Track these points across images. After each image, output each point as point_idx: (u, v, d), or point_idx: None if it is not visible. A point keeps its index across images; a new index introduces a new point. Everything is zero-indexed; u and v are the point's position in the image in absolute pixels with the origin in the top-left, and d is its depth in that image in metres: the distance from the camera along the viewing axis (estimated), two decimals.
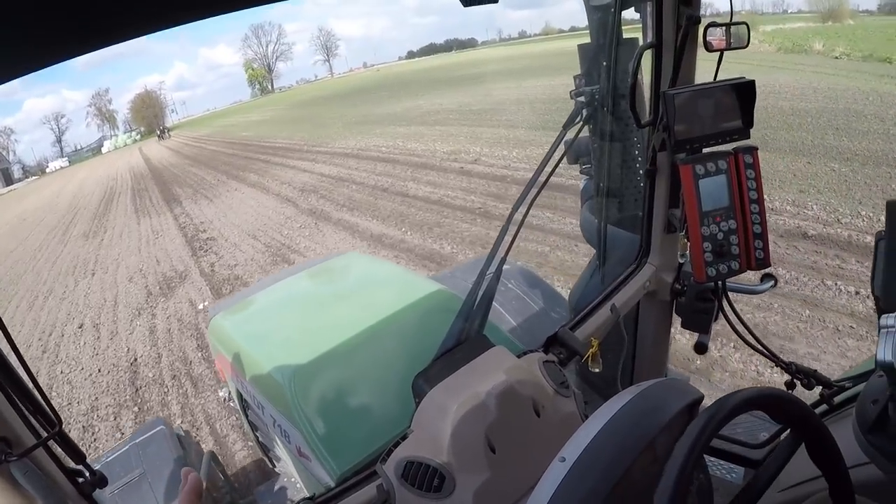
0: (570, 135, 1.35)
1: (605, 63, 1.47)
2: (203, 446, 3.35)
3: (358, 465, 1.36)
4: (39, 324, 6.71)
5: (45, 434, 0.69)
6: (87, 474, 0.76)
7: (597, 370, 1.14)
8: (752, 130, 1.08)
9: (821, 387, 1.15)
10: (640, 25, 1.30)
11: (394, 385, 1.48)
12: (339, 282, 2.64)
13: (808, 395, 1.10)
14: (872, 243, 0.96)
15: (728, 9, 1.06)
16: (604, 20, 1.47)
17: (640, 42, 1.33)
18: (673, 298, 1.37)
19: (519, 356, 0.96)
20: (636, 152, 1.59)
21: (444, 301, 1.99)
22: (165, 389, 4.41)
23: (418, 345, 1.46)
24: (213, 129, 35.94)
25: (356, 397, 1.72)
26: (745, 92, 1.05)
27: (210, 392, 4.17)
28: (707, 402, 0.62)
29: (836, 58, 15.43)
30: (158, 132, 47.66)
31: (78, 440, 3.50)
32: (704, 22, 1.07)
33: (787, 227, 4.84)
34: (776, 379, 2.94)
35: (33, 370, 0.70)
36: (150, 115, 76.59)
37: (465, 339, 1.02)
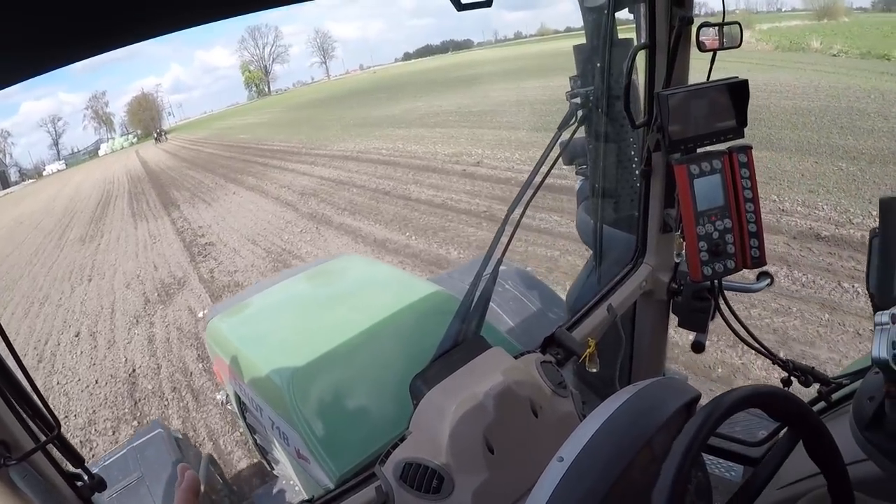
0: (565, 136, 1.36)
1: (599, 64, 1.48)
2: (201, 450, 3.34)
3: (357, 466, 1.36)
4: (35, 332, 6.57)
5: (43, 438, 0.69)
6: (86, 478, 0.75)
7: (594, 370, 1.15)
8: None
9: (818, 384, 1.15)
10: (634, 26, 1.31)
11: (392, 386, 1.48)
12: (337, 283, 2.64)
13: (805, 393, 1.11)
14: None
15: (721, 8, 1.07)
16: (598, 21, 1.47)
17: (635, 43, 1.34)
18: (669, 298, 1.37)
19: (516, 357, 0.96)
20: (631, 153, 1.59)
21: (441, 302, 1.99)
22: (166, 402, 4.29)
23: (416, 346, 1.46)
24: (210, 132, 35.76)
25: (355, 399, 1.72)
26: (738, 91, 1.06)
27: (212, 406, 4.03)
28: (704, 401, 0.62)
29: (834, 55, 15.43)
30: (155, 135, 47.44)
31: None
32: (698, 21, 1.07)
33: (799, 229, 4.79)
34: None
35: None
36: (146, 117, 76.49)
37: (462, 340, 1.03)
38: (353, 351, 1.81)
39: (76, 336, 6.13)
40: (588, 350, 1.14)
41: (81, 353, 5.62)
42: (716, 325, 1.33)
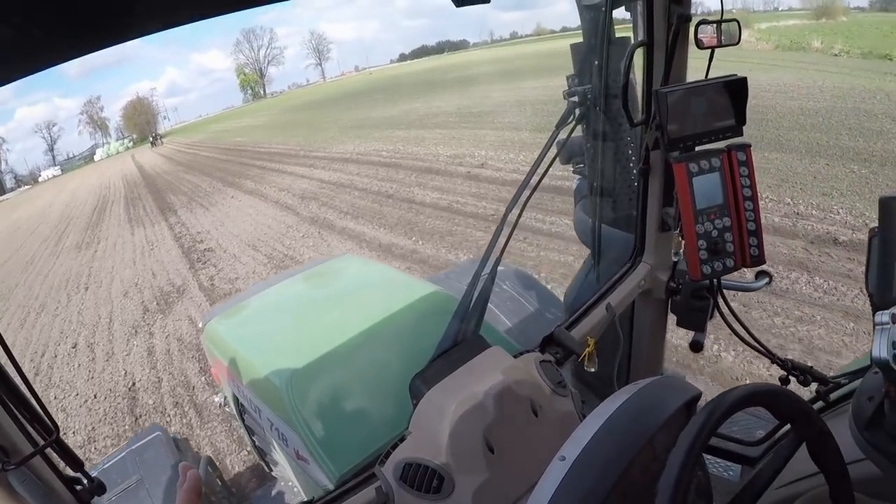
0: (562, 135, 1.36)
1: (597, 62, 1.47)
2: (200, 452, 3.33)
3: (357, 467, 1.36)
4: (31, 343, 6.36)
5: (42, 442, 0.69)
6: (85, 481, 0.75)
7: (593, 369, 1.15)
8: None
9: (816, 383, 1.15)
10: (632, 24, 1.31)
11: (391, 387, 1.48)
12: (335, 284, 2.64)
13: (803, 392, 1.10)
14: None
15: (718, 6, 1.06)
16: (596, 19, 1.47)
17: (632, 41, 1.34)
18: (668, 297, 1.37)
19: (515, 356, 0.96)
20: (629, 151, 1.59)
21: (440, 302, 1.98)
22: (168, 419, 4.11)
23: (415, 346, 1.46)
24: (207, 135, 35.59)
25: (354, 399, 1.72)
26: (737, 89, 1.06)
27: (218, 422, 3.86)
28: (703, 402, 0.62)
29: (836, 55, 15.38)
30: (151, 139, 47.41)
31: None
32: (696, 20, 1.07)
33: (816, 233, 4.70)
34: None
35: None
36: (142, 121, 76.18)
37: (461, 339, 1.03)
38: (352, 351, 1.81)
39: (73, 347, 5.93)
40: (587, 349, 1.14)
41: (79, 365, 5.43)
42: (713, 324, 1.33)
